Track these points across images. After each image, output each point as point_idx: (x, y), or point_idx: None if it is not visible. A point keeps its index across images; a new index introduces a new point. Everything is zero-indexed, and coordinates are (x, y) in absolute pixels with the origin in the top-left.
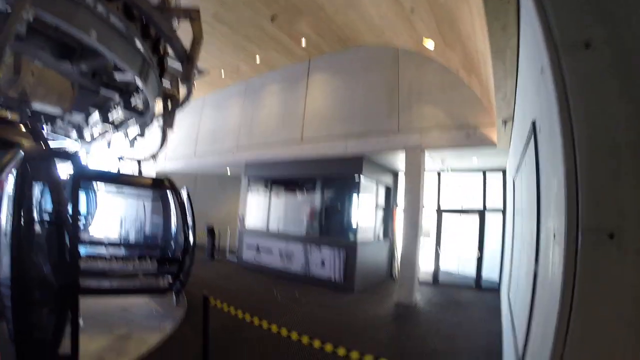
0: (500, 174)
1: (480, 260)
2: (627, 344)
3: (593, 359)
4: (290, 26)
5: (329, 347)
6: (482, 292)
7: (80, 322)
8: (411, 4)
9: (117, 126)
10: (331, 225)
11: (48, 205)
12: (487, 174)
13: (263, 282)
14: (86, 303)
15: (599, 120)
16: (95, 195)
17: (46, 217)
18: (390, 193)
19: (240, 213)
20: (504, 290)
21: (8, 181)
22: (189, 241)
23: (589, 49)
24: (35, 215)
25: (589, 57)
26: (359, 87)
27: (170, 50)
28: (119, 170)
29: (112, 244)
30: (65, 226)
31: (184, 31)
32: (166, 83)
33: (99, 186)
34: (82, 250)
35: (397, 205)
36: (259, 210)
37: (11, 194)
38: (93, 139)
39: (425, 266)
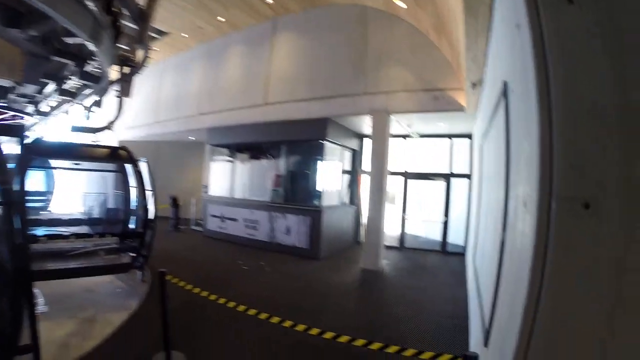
0: (468, 140)
1: (446, 225)
2: (601, 319)
3: (564, 334)
4: None
5: (287, 323)
6: (448, 256)
7: (45, 308)
8: None
9: (73, 96)
10: (296, 191)
11: None
12: (455, 140)
13: (228, 252)
14: (50, 287)
15: (580, 82)
16: (52, 172)
17: None
18: (356, 158)
19: (204, 182)
20: (470, 255)
21: None
22: (149, 214)
23: (573, 4)
24: None
25: (572, 13)
26: (326, 47)
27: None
28: (72, 142)
29: (71, 222)
30: (11, 206)
31: None
32: (122, 47)
33: (56, 162)
34: (41, 230)
35: (362, 170)
36: (223, 178)
37: None
38: (50, 112)
39: (391, 231)
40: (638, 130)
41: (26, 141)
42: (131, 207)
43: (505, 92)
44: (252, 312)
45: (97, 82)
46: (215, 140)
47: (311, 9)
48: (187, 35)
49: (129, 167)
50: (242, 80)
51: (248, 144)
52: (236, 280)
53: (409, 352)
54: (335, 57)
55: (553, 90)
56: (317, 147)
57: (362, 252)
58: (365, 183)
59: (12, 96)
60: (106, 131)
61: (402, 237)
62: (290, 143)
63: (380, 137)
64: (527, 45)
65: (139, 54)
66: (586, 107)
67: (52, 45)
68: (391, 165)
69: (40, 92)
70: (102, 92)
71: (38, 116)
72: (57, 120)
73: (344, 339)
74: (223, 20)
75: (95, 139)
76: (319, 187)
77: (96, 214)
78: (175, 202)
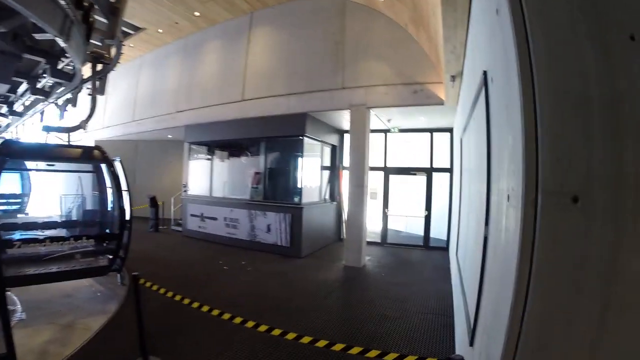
0: (448, 134)
1: (428, 220)
2: (592, 319)
3: (554, 336)
4: None
5: (262, 328)
6: (431, 251)
7: (23, 315)
8: None
9: (46, 95)
10: (276, 189)
11: None
12: (435, 134)
13: (209, 252)
14: (28, 293)
15: (564, 69)
16: (28, 174)
17: None
18: (336, 153)
19: (183, 181)
20: (453, 250)
21: None
22: (125, 215)
23: None
24: None
25: None
26: (303, 41)
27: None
28: (45, 143)
29: (47, 225)
30: None
31: None
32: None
33: (31, 164)
34: (16, 235)
35: (343, 166)
36: (202, 176)
37: None
38: (25, 112)
39: (373, 227)
40: (627, 120)
41: None
42: (107, 208)
43: (485, 83)
44: (227, 316)
45: (70, 80)
46: (193, 138)
47: (288, 2)
48: (162, 31)
49: (104, 167)
50: (219, 76)
51: (227, 142)
52: (216, 280)
53: (390, 357)
54: (313, 51)
55: (537, 79)
56: (296, 144)
57: (345, 249)
58: (345, 179)
59: None
60: (80, 130)
61: (385, 232)
62: (269, 140)
63: (360, 132)
64: (508, 31)
65: (112, 50)
66: (572, 95)
67: (22, 43)
68: (372, 161)
69: (14, 91)
70: (75, 91)
71: (12, 117)
72: (32, 121)
73: (321, 343)
74: (199, 15)
75: (69, 139)
76: (299, 184)
77: (72, 215)
78: (154, 202)
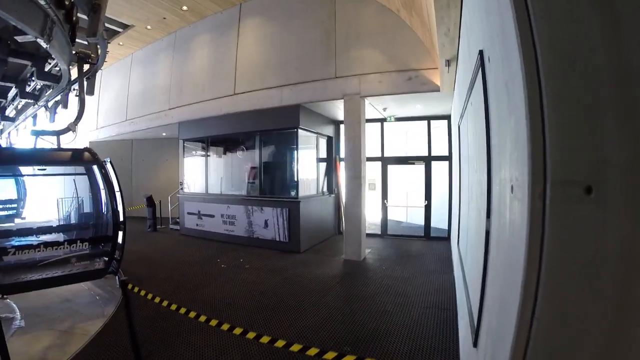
0: (446, 122)
1: (428, 209)
2: (608, 321)
3: (567, 340)
4: None
5: (250, 335)
6: (432, 242)
7: (22, 322)
8: None
9: (36, 99)
10: (272, 183)
11: None
12: (433, 122)
13: (206, 250)
14: (27, 300)
15: (573, 39)
16: (21, 180)
17: None
18: (332, 145)
19: (179, 178)
20: (454, 240)
21: None
22: (119, 216)
23: None
24: None
25: None
26: (294, 31)
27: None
28: (34, 148)
29: (41, 230)
30: None
31: None
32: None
33: (22, 169)
34: (10, 241)
35: (340, 157)
36: (198, 173)
37: None
38: (16, 116)
39: (373, 218)
40: None
41: None
42: (101, 210)
43: (481, 63)
44: (213, 322)
45: (57, 81)
46: (187, 134)
47: None
48: (151, 27)
49: (95, 169)
50: (210, 71)
51: (221, 137)
52: (214, 280)
53: None
54: (304, 41)
55: (539, 51)
56: (291, 136)
57: (344, 243)
58: (342, 170)
59: None
60: (70, 133)
61: (385, 224)
62: (263, 133)
63: (355, 122)
64: (505, 3)
65: (98, 49)
66: (583, 70)
67: (7, 46)
68: (369, 151)
69: (4, 96)
70: (64, 92)
71: (5, 122)
72: (25, 125)
73: (312, 351)
74: (187, 9)
75: (59, 142)
76: (295, 178)
77: (66, 219)
78: (150, 202)
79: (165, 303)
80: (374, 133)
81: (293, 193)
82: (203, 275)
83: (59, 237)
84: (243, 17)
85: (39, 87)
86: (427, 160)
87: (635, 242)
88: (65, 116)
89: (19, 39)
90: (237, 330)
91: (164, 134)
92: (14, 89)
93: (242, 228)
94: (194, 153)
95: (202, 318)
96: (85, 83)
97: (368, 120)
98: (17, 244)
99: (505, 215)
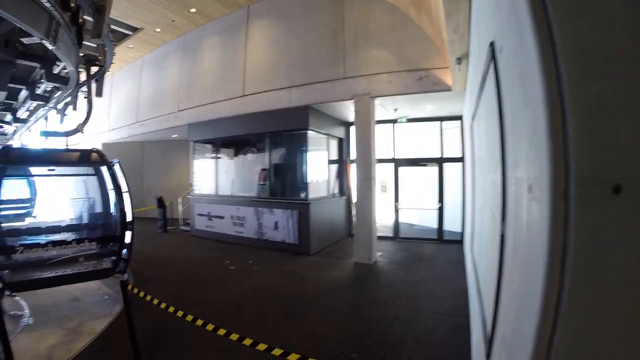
0: (459, 122)
1: (441, 212)
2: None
3: None
4: None
5: (247, 341)
6: (445, 245)
7: (30, 320)
8: None
9: (46, 100)
10: (282, 185)
11: None
12: (445, 123)
13: (216, 252)
14: (36, 298)
15: (596, 23)
16: (31, 180)
17: None
18: (342, 146)
19: (190, 180)
20: (467, 244)
21: None
22: (126, 216)
23: None
24: None
25: None
26: (302, 32)
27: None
28: (43, 148)
29: (50, 229)
30: None
31: None
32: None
33: (32, 169)
34: (20, 240)
35: (350, 159)
36: (208, 175)
37: None
38: (28, 118)
39: (385, 220)
40: None
41: None
42: (109, 210)
43: (493, 54)
44: (222, 331)
45: (66, 83)
46: (197, 136)
47: None
48: (160, 30)
49: (104, 170)
50: (219, 73)
51: (230, 138)
52: (222, 282)
53: None
54: (312, 41)
55: (557, 35)
56: (301, 138)
57: (355, 245)
58: (353, 172)
59: None
60: (79, 134)
61: (397, 226)
62: (272, 135)
63: (365, 123)
64: None
65: (106, 51)
66: (608, 54)
67: (15, 49)
68: (381, 153)
69: (15, 98)
70: (73, 94)
71: (17, 124)
72: (37, 127)
73: None
74: (195, 11)
75: (67, 143)
76: (305, 179)
77: (75, 219)
78: (161, 203)
79: (171, 309)
80: (386, 134)
81: (303, 195)
82: (211, 277)
83: (67, 236)
84: (251, 19)
85: (49, 89)
86: (440, 161)
87: None
88: (75, 118)
89: (25, 40)
90: (234, 336)
91: (174, 135)
92: (24, 91)
93: (252, 230)
94: (204, 155)
95: (210, 327)
96: (93, 85)
97: (379, 122)
98: (26, 242)
99: (522, 217)
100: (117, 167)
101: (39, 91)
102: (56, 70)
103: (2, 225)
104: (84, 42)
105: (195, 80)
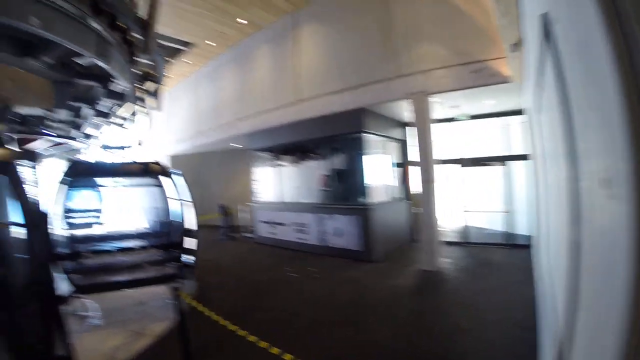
0: (523, 117)
1: (510, 214)
2: None
3: None
4: None
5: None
6: (516, 250)
7: (99, 321)
8: None
9: (107, 116)
10: (342, 190)
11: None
12: (509, 118)
13: (278, 259)
14: (105, 301)
15: None
16: (98, 190)
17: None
18: (401, 148)
19: (252, 188)
20: (538, 249)
21: None
22: (189, 224)
23: None
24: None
25: None
26: (350, 33)
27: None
28: (106, 162)
29: (116, 237)
30: (34, 226)
31: None
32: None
33: (100, 181)
34: (88, 246)
35: (409, 161)
36: (268, 182)
37: None
38: (92, 133)
39: (452, 225)
40: None
41: (65, 164)
42: (172, 219)
43: (546, 30)
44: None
45: (123, 99)
46: (255, 145)
47: None
48: (212, 43)
49: (165, 180)
50: (272, 80)
51: (287, 145)
52: (281, 289)
53: None
54: (361, 42)
55: None
56: (357, 141)
57: (419, 251)
58: (413, 174)
59: (51, 123)
60: (137, 147)
61: (464, 231)
62: (328, 139)
63: (422, 122)
64: None
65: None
66: None
67: (73, 69)
68: (445, 153)
69: (77, 115)
70: (131, 109)
71: (84, 139)
72: (101, 141)
73: None
74: (243, 21)
75: (130, 155)
76: (365, 183)
77: (140, 228)
78: (225, 211)
79: (223, 322)
80: (448, 134)
81: (365, 199)
82: (271, 283)
83: (133, 243)
84: (299, 24)
85: (110, 105)
86: (508, 160)
87: None
88: (135, 132)
89: (79, 60)
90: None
91: (233, 144)
92: (85, 108)
93: (315, 236)
94: (263, 162)
95: (263, 344)
96: (151, 100)
97: (439, 120)
98: (95, 249)
99: (600, 218)
100: (178, 177)
101: (100, 108)
102: (114, 87)
103: (74, 233)
104: (140, 59)
105: (248, 89)
